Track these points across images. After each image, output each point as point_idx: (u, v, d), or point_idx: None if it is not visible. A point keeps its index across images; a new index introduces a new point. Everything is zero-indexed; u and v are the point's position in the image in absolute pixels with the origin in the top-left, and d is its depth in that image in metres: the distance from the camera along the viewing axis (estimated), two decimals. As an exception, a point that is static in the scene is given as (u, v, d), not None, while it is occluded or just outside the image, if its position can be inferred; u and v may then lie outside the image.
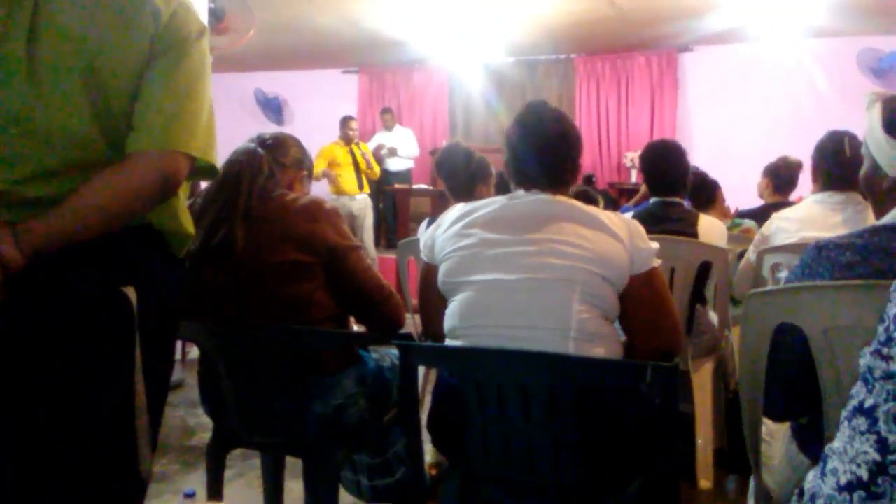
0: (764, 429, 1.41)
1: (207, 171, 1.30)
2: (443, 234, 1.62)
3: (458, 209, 1.63)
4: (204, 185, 1.84)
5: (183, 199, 1.35)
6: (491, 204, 1.59)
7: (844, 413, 0.82)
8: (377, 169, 7.22)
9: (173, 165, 1.19)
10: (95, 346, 1.18)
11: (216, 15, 5.39)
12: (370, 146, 7.75)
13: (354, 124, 7.23)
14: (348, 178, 6.95)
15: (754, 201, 3.93)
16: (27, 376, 1.16)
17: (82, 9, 1.16)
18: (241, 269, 1.71)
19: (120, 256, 1.22)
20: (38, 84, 1.14)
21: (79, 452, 1.19)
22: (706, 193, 3.55)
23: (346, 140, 7.04)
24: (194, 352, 4.47)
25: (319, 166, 6.71)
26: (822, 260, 1.25)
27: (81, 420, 1.19)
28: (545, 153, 1.61)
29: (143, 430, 1.23)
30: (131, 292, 1.20)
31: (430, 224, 3.06)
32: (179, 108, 1.21)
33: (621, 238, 1.47)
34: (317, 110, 8.88)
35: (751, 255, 2.63)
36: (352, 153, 6.99)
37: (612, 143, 8.48)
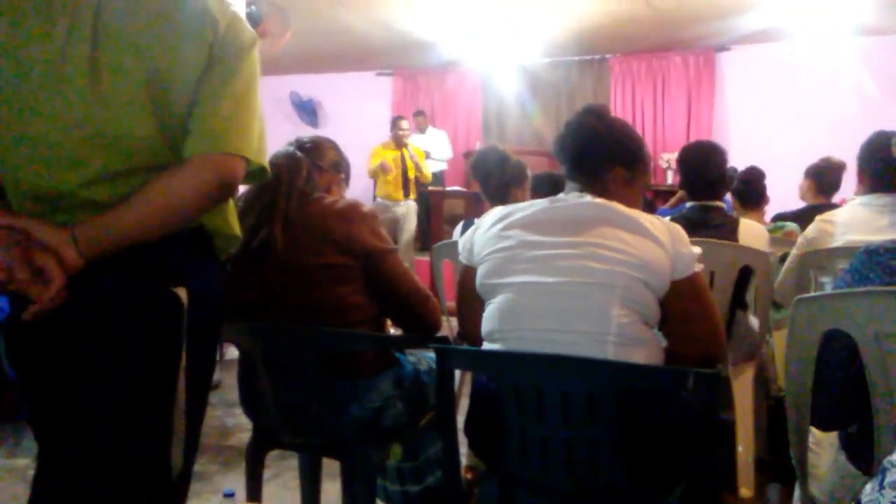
0: (811, 438, 1.38)
1: (259, 173, 1.33)
2: (482, 235, 1.61)
3: (497, 211, 1.63)
4: (243, 188, 1.86)
5: (232, 202, 1.38)
6: (531, 206, 1.58)
7: (886, 463, 0.79)
8: (427, 173, 7.16)
9: (230, 168, 1.22)
10: (144, 346, 1.20)
11: (253, 20, 5.46)
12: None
13: (405, 124, 7.19)
14: (395, 184, 6.98)
15: (794, 203, 3.86)
16: (77, 374, 1.19)
17: (143, 18, 1.19)
18: (280, 271, 1.73)
19: (170, 257, 1.24)
20: (100, 88, 1.16)
21: (113, 450, 1.22)
22: (756, 190, 3.49)
23: (397, 142, 7.04)
24: (232, 352, 4.53)
25: (374, 164, 6.84)
26: (872, 265, 1.22)
27: (118, 417, 1.21)
28: (576, 152, 1.61)
29: (179, 432, 1.25)
30: (182, 293, 1.22)
31: (465, 227, 3.07)
32: (235, 113, 1.23)
33: (663, 243, 1.45)
34: (351, 112, 8.93)
35: (794, 258, 2.57)
36: (402, 157, 6.99)
37: (647, 144, 8.36)
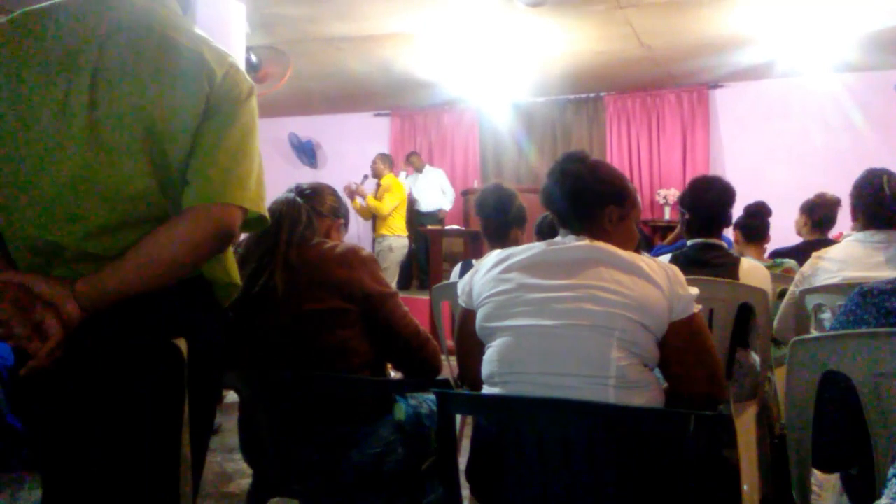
0: (813, 479, 1.37)
1: (258, 221, 1.34)
2: (481, 278, 1.63)
3: (496, 254, 1.64)
4: (243, 235, 1.88)
5: (231, 250, 1.39)
6: (530, 249, 1.60)
7: (892, 470, 0.79)
8: (374, 204, 7.06)
9: (228, 218, 1.23)
10: (147, 398, 1.21)
11: (254, 66, 5.56)
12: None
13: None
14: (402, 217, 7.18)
15: (790, 238, 3.88)
16: (80, 430, 1.19)
17: (141, 72, 1.21)
18: (280, 316, 1.74)
19: (169, 308, 1.25)
20: (100, 147, 1.18)
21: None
22: (762, 226, 3.49)
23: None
24: (231, 396, 4.50)
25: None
26: (867, 306, 1.23)
27: (128, 471, 1.21)
28: (568, 196, 1.63)
29: (186, 482, 1.25)
30: (182, 344, 1.23)
31: (463, 267, 3.08)
32: (233, 162, 1.25)
33: (660, 285, 1.46)
34: (349, 153, 9.03)
35: (792, 295, 2.58)
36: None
37: (644, 180, 8.45)
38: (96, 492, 1.21)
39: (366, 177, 7.19)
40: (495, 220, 2.80)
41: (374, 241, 7.33)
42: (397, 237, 7.10)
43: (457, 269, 3.09)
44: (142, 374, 1.20)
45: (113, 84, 1.20)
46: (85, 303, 1.13)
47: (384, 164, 7.27)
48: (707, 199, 2.50)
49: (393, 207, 7.02)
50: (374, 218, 7.24)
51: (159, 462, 1.23)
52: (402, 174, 8.51)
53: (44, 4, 1.26)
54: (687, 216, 2.55)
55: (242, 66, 1.35)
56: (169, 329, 1.24)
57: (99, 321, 1.15)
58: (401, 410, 1.85)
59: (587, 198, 1.63)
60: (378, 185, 7.23)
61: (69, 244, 1.19)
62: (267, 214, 1.34)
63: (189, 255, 1.21)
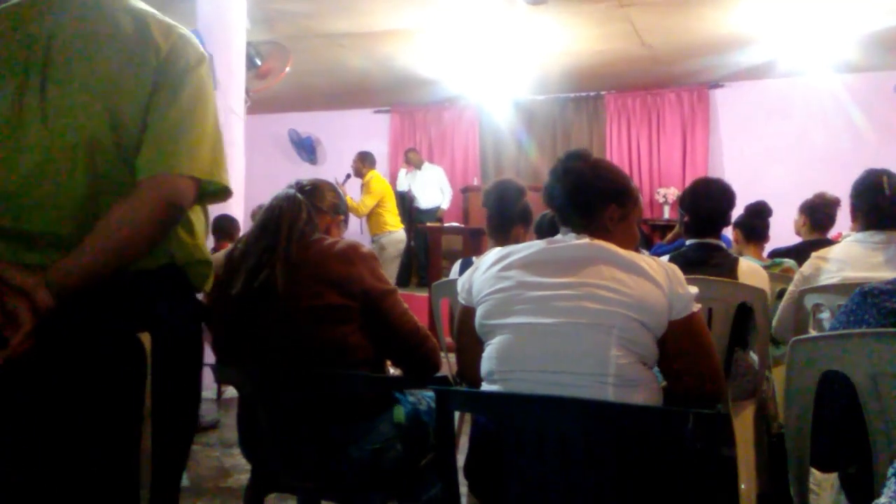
0: (811, 478, 1.37)
1: (220, 192, 1.33)
2: (481, 276, 1.63)
3: (495, 252, 1.64)
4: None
5: (200, 226, 1.37)
6: (530, 247, 1.60)
7: (892, 469, 0.80)
8: (355, 206, 6.93)
9: (176, 188, 1.22)
10: (105, 394, 1.21)
11: (255, 63, 5.55)
12: (399, 187, 7.89)
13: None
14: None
15: (788, 239, 3.88)
16: (37, 421, 1.19)
17: (91, 56, 1.22)
18: (280, 312, 1.74)
19: (139, 300, 1.25)
20: (54, 132, 1.19)
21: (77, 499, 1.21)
22: (762, 226, 3.49)
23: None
24: (230, 391, 4.51)
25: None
26: (867, 306, 1.23)
27: (82, 466, 1.21)
28: (569, 194, 1.63)
29: (145, 478, 1.24)
30: (146, 338, 1.22)
31: (463, 265, 3.08)
32: (179, 132, 1.24)
33: (660, 283, 1.47)
34: (349, 149, 9.01)
35: (791, 295, 2.58)
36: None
37: (643, 179, 8.46)
38: (48, 482, 1.20)
39: (348, 176, 7.16)
40: (497, 215, 2.80)
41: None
42: (388, 234, 7.05)
43: (456, 266, 3.09)
44: (101, 368, 1.20)
45: (63, 72, 1.20)
46: (57, 290, 1.13)
47: (363, 162, 7.19)
48: (707, 202, 2.50)
49: (371, 207, 6.97)
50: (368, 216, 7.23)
51: (112, 454, 1.22)
52: (402, 171, 8.51)
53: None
54: (686, 218, 2.55)
55: (243, 63, 1.35)
56: (135, 322, 1.23)
57: (66, 312, 1.15)
58: (400, 413, 1.85)
59: (589, 196, 1.63)
60: (362, 184, 7.23)
61: (40, 232, 1.20)
62: (229, 184, 1.33)
63: (141, 230, 1.20)
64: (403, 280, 8.04)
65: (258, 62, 5.69)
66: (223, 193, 1.34)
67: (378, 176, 7.20)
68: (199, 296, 1.45)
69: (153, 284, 1.27)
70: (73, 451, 1.20)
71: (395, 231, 7.10)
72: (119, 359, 1.21)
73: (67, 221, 1.21)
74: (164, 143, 1.23)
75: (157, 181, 1.21)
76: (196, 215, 1.36)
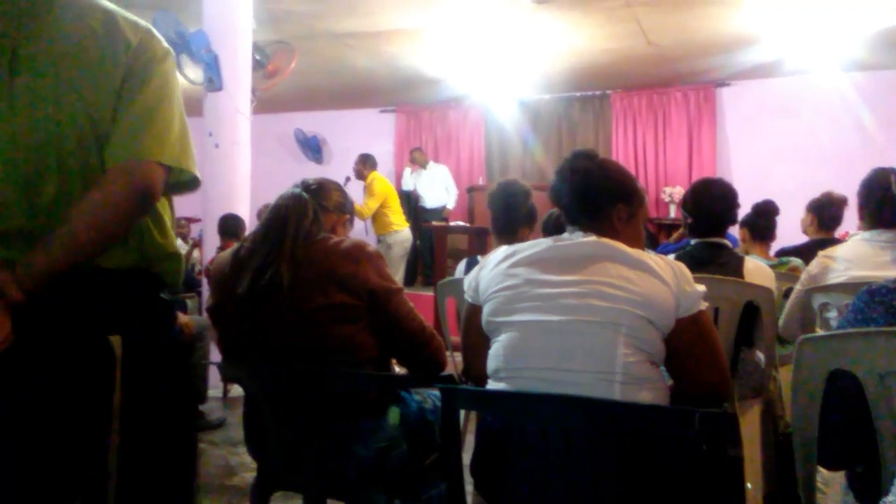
0: (818, 477, 1.37)
1: (190, 183, 1.34)
2: (488, 273, 1.63)
3: (503, 250, 1.64)
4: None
5: (166, 218, 1.37)
6: (537, 245, 1.60)
7: None
8: (359, 209, 6.91)
9: (145, 175, 1.23)
10: (72, 396, 1.20)
11: (261, 63, 5.56)
12: (404, 186, 7.89)
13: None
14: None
15: (795, 238, 3.87)
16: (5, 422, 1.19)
17: (63, 52, 1.22)
18: (286, 311, 1.74)
19: (110, 303, 1.25)
20: (22, 129, 1.19)
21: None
22: (769, 225, 3.48)
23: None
24: (236, 390, 4.52)
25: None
26: (875, 304, 1.23)
27: (45, 468, 1.20)
28: (577, 193, 1.63)
29: (112, 482, 1.23)
30: (116, 342, 1.22)
31: (469, 263, 3.08)
32: (147, 120, 1.25)
33: (667, 281, 1.46)
34: (355, 149, 9.02)
35: (798, 293, 2.57)
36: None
37: (649, 178, 8.44)
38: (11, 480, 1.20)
39: (348, 179, 7.17)
40: (503, 218, 2.79)
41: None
42: (393, 233, 7.07)
43: (462, 265, 3.09)
44: (69, 371, 1.20)
45: (34, 65, 1.21)
46: (28, 285, 1.13)
47: (364, 164, 7.22)
48: (709, 204, 2.47)
49: (374, 209, 6.99)
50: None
51: (77, 455, 1.22)
52: (407, 171, 8.51)
53: None
54: (690, 220, 2.54)
55: (249, 63, 1.36)
56: (106, 325, 1.23)
57: (36, 314, 1.15)
58: (395, 415, 1.85)
59: (596, 195, 1.63)
60: (364, 186, 7.23)
61: (11, 227, 1.20)
62: (198, 173, 1.33)
63: (111, 217, 1.20)
64: (409, 279, 8.05)
65: (264, 63, 5.71)
66: (192, 183, 1.35)
67: (380, 177, 7.21)
68: (195, 296, 1.45)
69: (125, 286, 1.27)
70: (37, 451, 1.20)
71: (401, 230, 7.12)
72: (88, 362, 1.21)
73: (44, 219, 1.21)
74: (132, 132, 1.24)
75: (127, 168, 1.22)
76: (164, 209, 1.36)
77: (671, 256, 2.47)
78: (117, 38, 1.26)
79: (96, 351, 1.21)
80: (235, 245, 1.89)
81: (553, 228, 2.68)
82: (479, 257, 2.67)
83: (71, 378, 1.20)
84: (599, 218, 1.62)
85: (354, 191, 6.76)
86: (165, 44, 1.35)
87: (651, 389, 1.44)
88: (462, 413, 2.66)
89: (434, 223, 7.38)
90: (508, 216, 2.78)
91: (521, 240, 2.52)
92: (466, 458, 1.63)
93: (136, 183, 1.21)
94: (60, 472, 1.22)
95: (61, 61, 1.22)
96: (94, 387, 1.21)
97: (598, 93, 8.71)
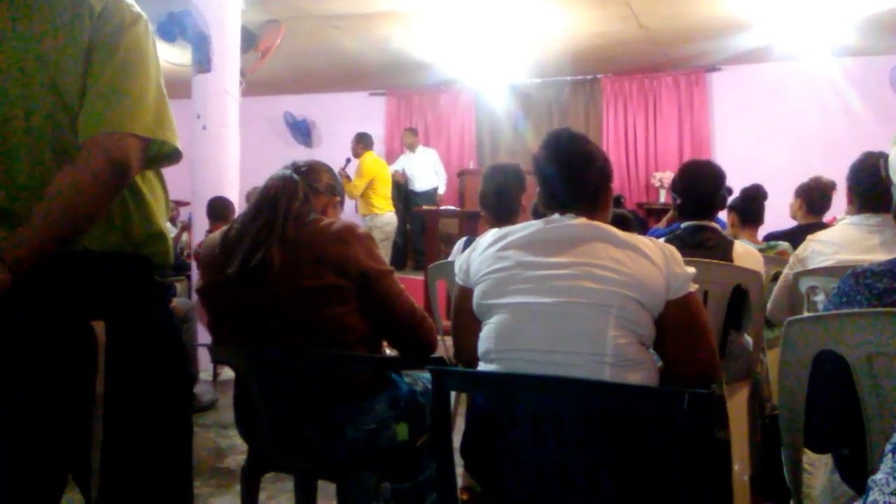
0: (805, 458, 1.38)
1: (171, 155, 1.30)
2: (479, 256, 1.63)
3: (493, 233, 1.64)
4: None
5: (152, 199, 1.34)
6: (527, 227, 1.60)
7: (889, 445, 0.80)
8: (347, 186, 6.99)
9: (120, 146, 1.19)
10: (53, 382, 1.19)
11: (251, 42, 5.49)
12: (393, 168, 7.86)
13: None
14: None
15: (784, 222, 3.89)
16: None
17: (29, 21, 1.20)
18: (276, 292, 1.73)
19: (94, 286, 1.23)
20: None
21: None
22: (757, 209, 3.50)
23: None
24: (227, 373, 4.52)
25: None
26: (859, 287, 1.23)
27: (25, 454, 1.20)
28: (574, 177, 1.63)
29: (95, 468, 1.22)
30: (99, 327, 1.20)
31: (466, 244, 3.07)
32: (118, 90, 1.21)
33: (657, 262, 1.47)
34: (344, 132, 8.97)
35: (786, 277, 2.59)
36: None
37: (640, 163, 8.45)
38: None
39: (348, 160, 7.15)
40: (497, 203, 2.79)
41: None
42: (374, 216, 7.04)
43: (459, 244, 3.08)
44: (51, 356, 1.19)
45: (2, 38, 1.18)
46: (12, 264, 1.11)
47: (359, 143, 7.21)
48: (698, 185, 2.49)
49: (362, 188, 6.98)
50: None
51: (58, 441, 1.21)
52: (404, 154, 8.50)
53: None
54: (679, 202, 2.54)
55: (238, 44, 1.33)
56: (89, 309, 1.21)
57: (19, 298, 1.13)
58: (404, 431, 1.85)
59: (594, 179, 1.63)
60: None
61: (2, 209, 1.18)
62: (178, 143, 1.29)
63: (89, 192, 1.17)
64: (399, 263, 8.04)
65: (255, 43, 5.67)
66: (174, 155, 1.31)
67: (372, 157, 7.18)
68: (185, 280, 1.43)
69: (111, 269, 1.25)
70: (17, 435, 1.19)
71: (382, 214, 7.07)
72: (69, 347, 1.19)
73: (23, 198, 1.18)
74: (101, 103, 1.20)
75: (98, 141, 1.18)
76: (148, 184, 1.32)
77: (661, 240, 2.48)
78: (81, 3, 1.22)
79: (77, 336, 1.19)
80: (225, 227, 1.88)
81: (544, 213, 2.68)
82: (475, 238, 2.68)
83: (50, 363, 1.18)
84: (596, 200, 1.63)
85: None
86: (136, 7, 1.29)
87: (641, 371, 1.45)
88: (453, 395, 2.68)
89: (425, 207, 7.37)
90: (504, 202, 2.78)
91: (514, 222, 2.52)
92: (457, 439, 1.64)
93: (108, 157, 1.17)
94: (43, 461, 1.21)
95: (26, 33, 1.19)
96: (75, 372, 1.19)
97: (589, 77, 8.69)
